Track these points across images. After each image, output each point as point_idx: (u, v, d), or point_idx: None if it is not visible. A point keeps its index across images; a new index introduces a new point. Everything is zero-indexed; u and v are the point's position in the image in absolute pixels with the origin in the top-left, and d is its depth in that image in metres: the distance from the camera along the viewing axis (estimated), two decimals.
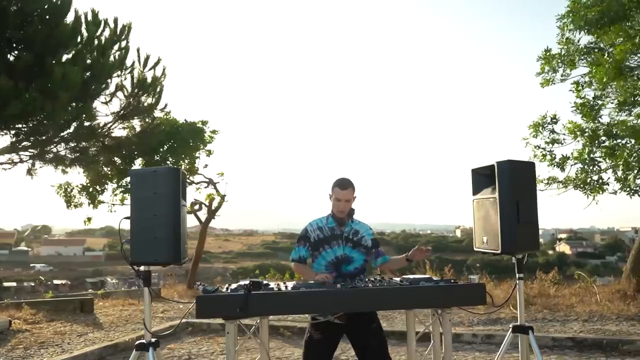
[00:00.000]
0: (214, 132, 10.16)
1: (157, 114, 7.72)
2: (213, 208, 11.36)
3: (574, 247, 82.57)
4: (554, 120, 7.48)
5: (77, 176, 8.74)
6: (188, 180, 10.10)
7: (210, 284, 3.36)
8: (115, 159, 8.17)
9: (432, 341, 3.54)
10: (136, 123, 7.92)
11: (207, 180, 10.90)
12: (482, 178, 3.88)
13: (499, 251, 3.55)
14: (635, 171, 6.20)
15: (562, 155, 7.29)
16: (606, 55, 6.71)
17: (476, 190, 3.90)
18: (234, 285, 3.26)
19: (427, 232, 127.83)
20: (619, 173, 6.45)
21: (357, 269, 3.55)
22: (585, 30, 7.06)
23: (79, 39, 6.34)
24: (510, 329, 3.76)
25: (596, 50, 7.17)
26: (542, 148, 7.54)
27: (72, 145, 6.71)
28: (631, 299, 7.73)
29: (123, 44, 7.01)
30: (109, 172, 8.81)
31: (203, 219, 11.64)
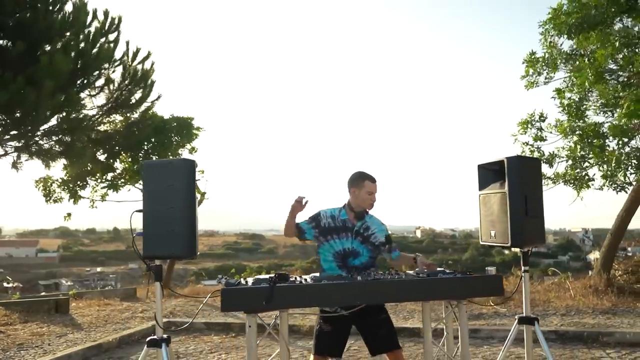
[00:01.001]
0: (198, 129, 9.95)
1: (147, 106, 7.50)
2: None
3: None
4: (542, 118, 7.81)
5: (55, 170, 8.40)
6: None
7: (233, 280, 3.28)
8: (99, 153, 7.88)
9: (445, 333, 3.61)
10: (120, 118, 7.67)
11: None
12: (488, 173, 3.97)
13: (508, 244, 3.64)
14: (624, 168, 6.50)
15: (550, 153, 7.61)
16: (587, 60, 7.02)
17: (482, 185, 3.99)
18: (250, 280, 3.22)
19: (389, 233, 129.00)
20: (606, 168, 6.75)
21: (363, 264, 3.55)
22: (567, 36, 7.37)
23: (68, 29, 6.09)
24: (516, 321, 3.86)
25: (577, 56, 7.50)
26: (530, 144, 7.86)
27: (59, 138, 6.43)
28: (603, 294, 8.07)
29: (112, 36, 6.80)
30: (94, 167, 8.48)
31: None
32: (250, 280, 3.23)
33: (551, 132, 7.61)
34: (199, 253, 3.52)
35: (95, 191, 9.53)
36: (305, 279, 3.21)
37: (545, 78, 7.88)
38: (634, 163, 6.37)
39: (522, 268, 3.84)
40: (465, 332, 3.36)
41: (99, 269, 71.30)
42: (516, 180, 3.61)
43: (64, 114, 6.14)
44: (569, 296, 8.20)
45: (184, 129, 9.24)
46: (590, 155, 6.78)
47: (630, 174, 6.64)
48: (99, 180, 9.24)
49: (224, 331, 7.03)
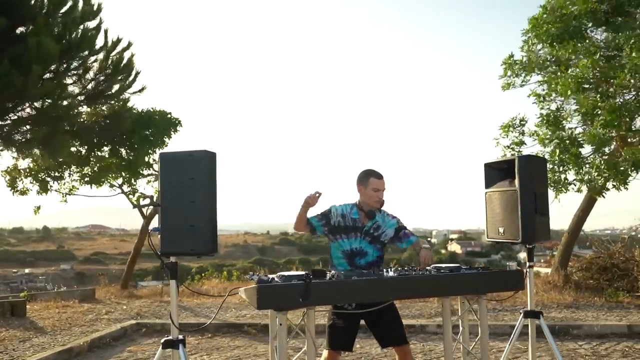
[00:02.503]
0: (178, 123, 9.46)
1: (128, 96, 7.10)
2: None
3: (464, 247, 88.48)
4: (522, 122, 8.12)
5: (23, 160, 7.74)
6: (142, 173, 9.47)
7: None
8: (76, 144, 7.35)
9: (461, 328, 3.67)
10: (100, 108, 7.20)
11: (157, 173, 10.17)
12: (495, 172, 4.08)
13: (519, 240, 3.74)
14: (603, 175, 6.86)
15: None
16: (567, 69, 7.38)
17: (489, 183, 4.08)
18: (275, 277, 3.12)
19: None
20: (583, 172, 7.11)
21: (368, 263, 3.53)
22: (548, 44, 7.72)
23: (49, 10, 5.64)
24: (522, 314, 3.99)
25: (555, 64, 7.88)
26: (511, 148, 8.14)
27: (35, 127, 5.92)
28: (563, 289, 8.50)
29: (92, 24, 6.36)
30: (70, 159, 7.89)
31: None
32: (275, 277, 3.13)
33: (530, 136, 7.95)
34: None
35: (64, 184, 8.92)
36: (333, 275, 3.15)
37: (522, 81, 8.23)
38: (609, 168, 6.75)
39: (527, 263, 3.97)
40: (485, 327, 3.43)
41: (27, 270, 67.34)
42: (527, 179, 3.72)
43: (48, 101, 5.68)
44: None
45: (165, 123, 8.79)
46: (568, 162, 7.13)
47: (607, 180, 7.02)
48: (72, 174, 8.64)
49: (198, 332, 6.81)
